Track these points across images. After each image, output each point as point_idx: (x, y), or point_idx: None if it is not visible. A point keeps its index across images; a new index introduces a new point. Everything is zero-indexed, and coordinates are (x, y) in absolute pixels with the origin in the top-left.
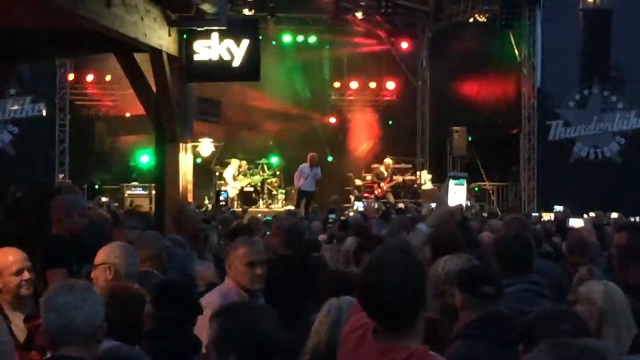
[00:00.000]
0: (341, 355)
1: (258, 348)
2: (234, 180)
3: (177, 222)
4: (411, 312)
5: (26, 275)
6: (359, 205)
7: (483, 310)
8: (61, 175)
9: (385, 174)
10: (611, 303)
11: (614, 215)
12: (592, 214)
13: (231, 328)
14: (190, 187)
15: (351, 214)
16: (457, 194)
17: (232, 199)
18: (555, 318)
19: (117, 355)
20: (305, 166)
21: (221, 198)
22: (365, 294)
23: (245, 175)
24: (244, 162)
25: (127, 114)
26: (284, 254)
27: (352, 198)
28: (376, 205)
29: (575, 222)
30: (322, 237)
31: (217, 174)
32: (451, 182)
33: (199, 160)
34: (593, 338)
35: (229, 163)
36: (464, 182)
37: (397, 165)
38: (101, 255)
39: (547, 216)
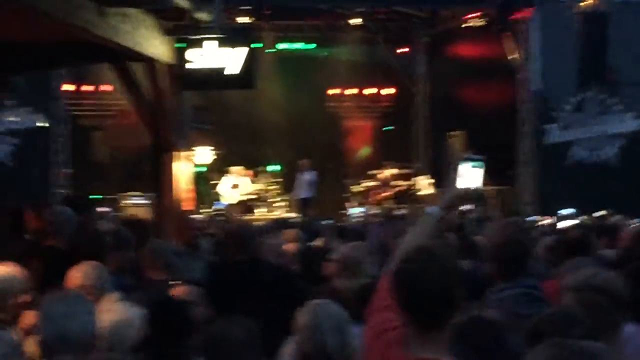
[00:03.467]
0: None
1: None
2: (232, 188)
3: (175, 230)
4: (452, 304)
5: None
6: (353, 212)
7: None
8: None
9: (385, 181)
10: None
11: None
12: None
13: None
14: (188, 195)
15: (353, 220)
16: (473, 176)
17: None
18: (564, 321)
19: None
20: (297, 174)
21: (215, 207)
22: (406, 284)
23: (246, 183)
24: (240, 169)
25: (125, 124)
26: (237, 259)
27: (350, 205)
28: (375, 212)
29: (565, 224)
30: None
31: (217, 182)
32: (467, 165)
33: (203, 169)
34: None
35: (227, 171)
36: (482, 164)
37: (396, 171)
38: (76, 280)
39: (544, 220)
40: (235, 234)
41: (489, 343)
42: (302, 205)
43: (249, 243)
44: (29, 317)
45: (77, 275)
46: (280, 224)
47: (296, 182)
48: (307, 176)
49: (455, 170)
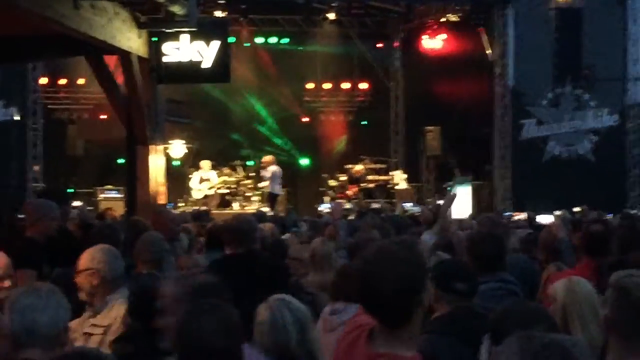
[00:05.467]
0: (335, 357)
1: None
2: (200, 183)
3: (155, 224)
4: (409, 306)
5: (6, 283)
6: (325, 207)
7: (453, 306)
8: (36, 168)
9: (358, 176)
10: (572, 295)
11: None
12: (557, 212)
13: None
14: (162, 189)
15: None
16: (462, 195)
17: (208, 200)
18: (526, 317)
19: (81, 355)
20: (261, 170)
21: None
22: (364, 284)
23: (219, 176)
24: (209, 162)
25: (100, 117)
26: (234, 253)
27: (328, 199)
28: (347, 206)
29: (545, 219)
30: (287, 236)
31: (190, 176)
32: (457, 187)
33: (176, 163)
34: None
35: (199, 166)
36: (469, 183)
37: (371, 166)
38: (84, 261)
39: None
40: (232, 227)
41: (478, 332)
42: (272, 200)
43: (247, 236)
44: None
45: (85, 258)
46: (258, 218)
47: (270, 178)
48: (269, 172)
49: (449, 199)
